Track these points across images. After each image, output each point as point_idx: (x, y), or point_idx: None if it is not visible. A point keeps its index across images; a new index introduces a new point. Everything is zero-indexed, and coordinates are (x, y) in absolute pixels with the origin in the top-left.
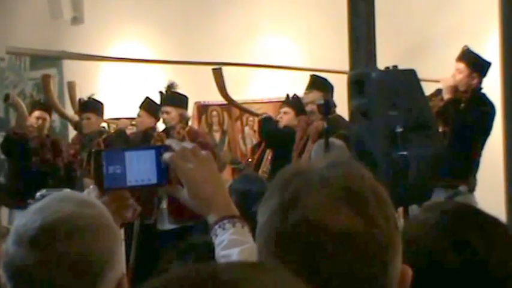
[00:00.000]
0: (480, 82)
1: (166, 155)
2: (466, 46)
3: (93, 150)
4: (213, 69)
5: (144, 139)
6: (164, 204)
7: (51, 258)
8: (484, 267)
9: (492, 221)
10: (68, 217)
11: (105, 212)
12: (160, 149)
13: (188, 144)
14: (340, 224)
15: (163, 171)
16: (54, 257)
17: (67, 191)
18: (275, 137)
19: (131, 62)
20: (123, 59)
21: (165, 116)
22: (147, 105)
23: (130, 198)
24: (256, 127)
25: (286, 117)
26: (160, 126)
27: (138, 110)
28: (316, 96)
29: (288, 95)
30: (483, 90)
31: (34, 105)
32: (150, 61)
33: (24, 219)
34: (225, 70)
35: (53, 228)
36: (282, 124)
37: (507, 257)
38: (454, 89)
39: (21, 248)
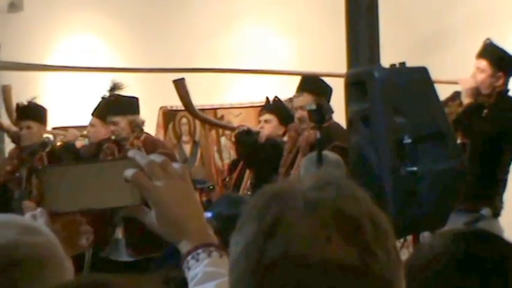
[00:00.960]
0: (507, 83)
1: (128, 172)
2: (488, 39)
3: (39, 168)
4: (174, 81)
5: (98, 153)
6: (119, 233)
7: None
8: None
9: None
10: (8, 246)
11: (54, 240)
12: (121, 162)
13: (157, 157)
14: (329, 257)
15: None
16: None
17: (6, 215)
18: (255, 155)
19: (86, 71)
20: (77, 68)
21: (112, 127)
22: (101, 112)
23: (84, 223)
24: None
25: (268, 127)
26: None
27: (90, 117)
28: (307, 100)
29: (267, 99)
30: (511, 93)
31: None
32: (104, 69)
33: None
34: (202, 56)
35: None
36: (263, 136)
37: None
38: (476, 91)
39: None
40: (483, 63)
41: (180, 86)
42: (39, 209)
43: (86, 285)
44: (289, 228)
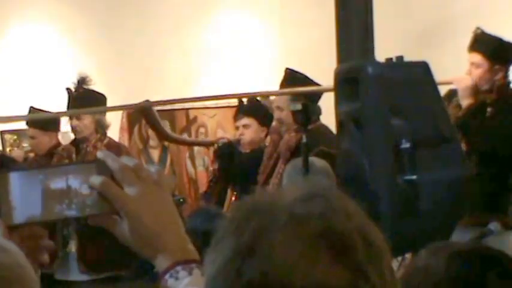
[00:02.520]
0: (507, 75)
1: (95, 180)
2: (478, 29)
3: None
4: (143, 111)
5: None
6: (73, 247)
7: None
8: None
9: None
10: None
11: (22, 259)
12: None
13: (129, 161)
14: (316, 278)
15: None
16: None
17: None
18: (239, 168)
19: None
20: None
21: (75, 122)
22: (38, 120)
23: (45, 236)
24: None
25: (248, 132)
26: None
27: (27, 127)
28: (286, 99)
29: (241, 101)
30: None
31: None
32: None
33: None
34: (170, 65)
35: None
36: (245, 144)
37: None
38: (474, 90)
39: None
40: (477, 57)
41: (149, 115)
42: None
43: None
44: (271, 247)
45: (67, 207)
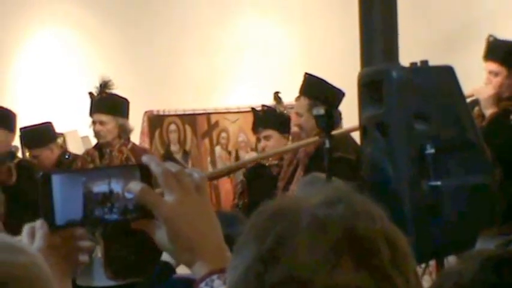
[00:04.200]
0: None
1: (134, 186)
2: (491, 36)
3: (40, 173)
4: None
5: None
6: (99, 252)
7: None
8: None
9: None
10: None
11: (39, 261)
12: (132, 171)
13: (172, 166)
14: (339, 282)
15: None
16: None
17: None
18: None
19: None
20: None
21: (98, 127)
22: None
23: (85, 237)
24: (232, 144)
25: (271, 144)
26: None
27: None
28: (303, 104)
29: (254, 110)
30: None
31: None
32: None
33: None
34: (189, 68)
35: None
36: (270, 157)
37: None
38: (496, 98)
39: None
40: (493, 66)
41: None
42: (39, 221)
43: None
44: (293, 252)
45: (108, 211)
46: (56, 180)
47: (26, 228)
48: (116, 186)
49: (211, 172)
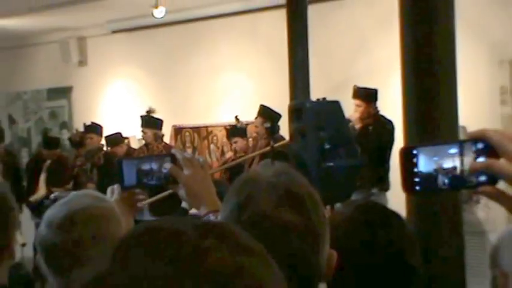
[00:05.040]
0: (376, 108)
1: (167, 165)
2: (355, 85)
3: (117, 159)
4: None
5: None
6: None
7: (73, 238)
8: (379, 248)
9: (390, 213)
10: (86, 208)
11: (113, 205)
12: (165, 157)
13: (188, 154)
14: (283, 218)
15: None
16: (74, 237)
17: (86, 190)
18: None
19: None
20: None
21: (144, 135)
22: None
23: (141, 193)
24: (220, 143)
25: (238, 145)
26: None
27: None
28: (259, 121)
29: (226, 127)
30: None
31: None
32: None
33: (53, 209)
34: (196, 105)
35: (74, 216)
36: (240, 151)
37: (395, 237)
38: (360, 119)
39: (51, 230)
40: (358, 101)
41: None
42: (115, 185)
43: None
44: (256, 202)
45: (150, 179)
46: (124, 163)
47: (109, 189)
48: (154, 166)
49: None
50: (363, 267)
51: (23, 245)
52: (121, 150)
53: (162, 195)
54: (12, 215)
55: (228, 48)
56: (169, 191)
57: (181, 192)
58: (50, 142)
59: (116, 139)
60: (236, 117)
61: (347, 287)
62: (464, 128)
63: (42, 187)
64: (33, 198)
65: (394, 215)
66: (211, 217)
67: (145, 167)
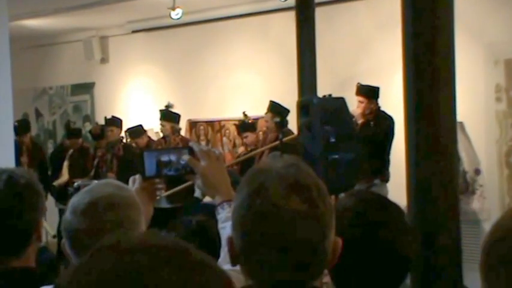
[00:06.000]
0: (377, 104)
1: (185, 156)
2: (358, 83)
3: (137, 151)
4: None
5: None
6: (163, 191)
7: (96, 224)
8: (377, 238)
9: (389, 204)
10: (108, 196)
11: (133, 193)
12: (183, 150)
13: (204, 147)
14: (291, 206)
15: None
16: (97, 223)
17: (108, 179)
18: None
19: None
20: None
21: (161, 127)
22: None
23: (160, 182)
24: (232, 136)
25: (249, 140)
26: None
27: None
28: (270, 116)
29: (235, 124)
30: (382, 108)
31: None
32: None
33: (78, 197)
34: (211, 100)
35: (97, 203)
36: (250, 145)
37: (394, 227)
38: (362, 114)
39: (75, 217)
40: (361, 98)
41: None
42: (137, 175)
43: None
44: (267, 192)
45: (169, 170)
46: (145, 154)
47: (131, 179)
48: (173, 157)
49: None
50: (361, 256)
51: (54, 236)
52: (142, 141)
53: (181, 187)
54: (40, 201)
55: (241, 48)
56: (188, 183)
57: (198, 183)
58: (72, 132)
59: (138, 131)
60: (244, 112)
61: (346, 274)
62: (462, 123)
63: (65, 173)
64: (57, 182)
65: (393, 205)
66: (226, 206)
67: (165, 158)
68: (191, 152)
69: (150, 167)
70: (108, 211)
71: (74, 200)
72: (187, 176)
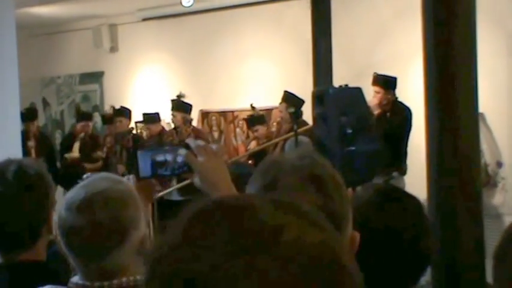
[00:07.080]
0: (394, 95)
1: (182, 152)
2: (375, 73)
3: (131, 152)
4: None
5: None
6: (174, 182)
7: (92, 220)
8: (395, 232)
9: (408, 198)
10: (104, 191)
11: (132, 188)
12: (179, 149)
13: (201, 142)
14: (307, 199)
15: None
16: (94, 219)
17: (105, 173)
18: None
19: None
20: None
21: (172, 118)
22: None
23: (155, 183)
24: (245, 127)
25: (259, 133)
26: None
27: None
28: (284, 107)
29: (245, 118)
30: (400, 99)
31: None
32: None
33: (73, 192)
34: (224, 89)
35: (93, 198)
36: (262, 138)
37: (412, 221)
38: (379, 105)
39: (71, 213)
40: (377, 88)
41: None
42: (131, 175)
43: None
44: (282, 182)
45: (164, 170)
46: (139, 154)
47: (125, 178)
48: (169, 157)
49: (240, 156)
50: (378, 250)
51: None
52: (156, 129)
53: (177, 186)
54: (51, 192)
55: (254, 36)
56: (187, 181)
57: (196, 180)
58: (83, 115)
59: (154, 118)
60: (251, 105)
61: (362, 268)
62: (483, 114)
63: (76, 151)
64: (68, 155)
65: (412, 199)
66: None
67: (160, 158)
68: (188, 148)
69: (144, 167)
70: (104, 207)
71: (69, 196)
72: (184, 175)
